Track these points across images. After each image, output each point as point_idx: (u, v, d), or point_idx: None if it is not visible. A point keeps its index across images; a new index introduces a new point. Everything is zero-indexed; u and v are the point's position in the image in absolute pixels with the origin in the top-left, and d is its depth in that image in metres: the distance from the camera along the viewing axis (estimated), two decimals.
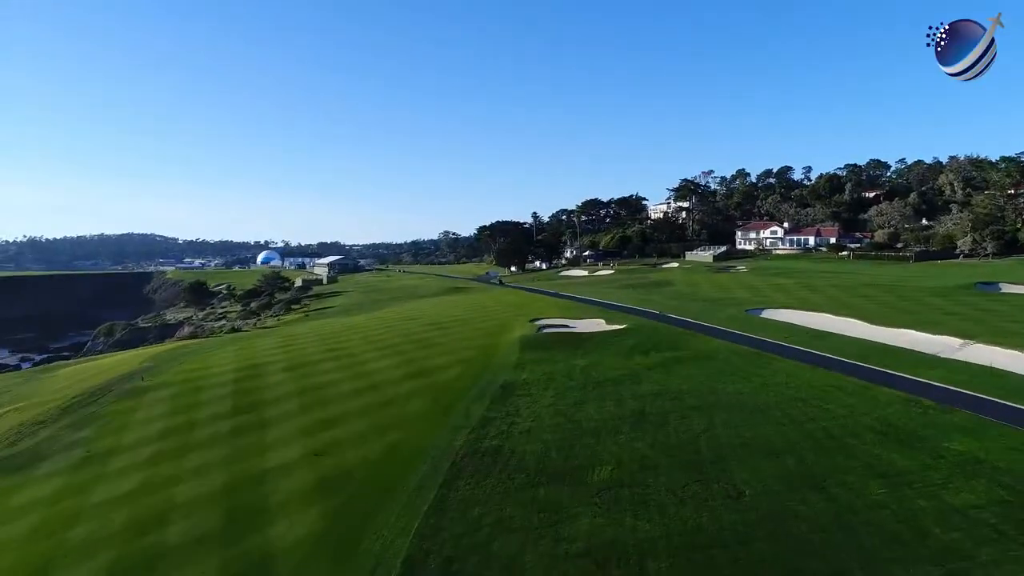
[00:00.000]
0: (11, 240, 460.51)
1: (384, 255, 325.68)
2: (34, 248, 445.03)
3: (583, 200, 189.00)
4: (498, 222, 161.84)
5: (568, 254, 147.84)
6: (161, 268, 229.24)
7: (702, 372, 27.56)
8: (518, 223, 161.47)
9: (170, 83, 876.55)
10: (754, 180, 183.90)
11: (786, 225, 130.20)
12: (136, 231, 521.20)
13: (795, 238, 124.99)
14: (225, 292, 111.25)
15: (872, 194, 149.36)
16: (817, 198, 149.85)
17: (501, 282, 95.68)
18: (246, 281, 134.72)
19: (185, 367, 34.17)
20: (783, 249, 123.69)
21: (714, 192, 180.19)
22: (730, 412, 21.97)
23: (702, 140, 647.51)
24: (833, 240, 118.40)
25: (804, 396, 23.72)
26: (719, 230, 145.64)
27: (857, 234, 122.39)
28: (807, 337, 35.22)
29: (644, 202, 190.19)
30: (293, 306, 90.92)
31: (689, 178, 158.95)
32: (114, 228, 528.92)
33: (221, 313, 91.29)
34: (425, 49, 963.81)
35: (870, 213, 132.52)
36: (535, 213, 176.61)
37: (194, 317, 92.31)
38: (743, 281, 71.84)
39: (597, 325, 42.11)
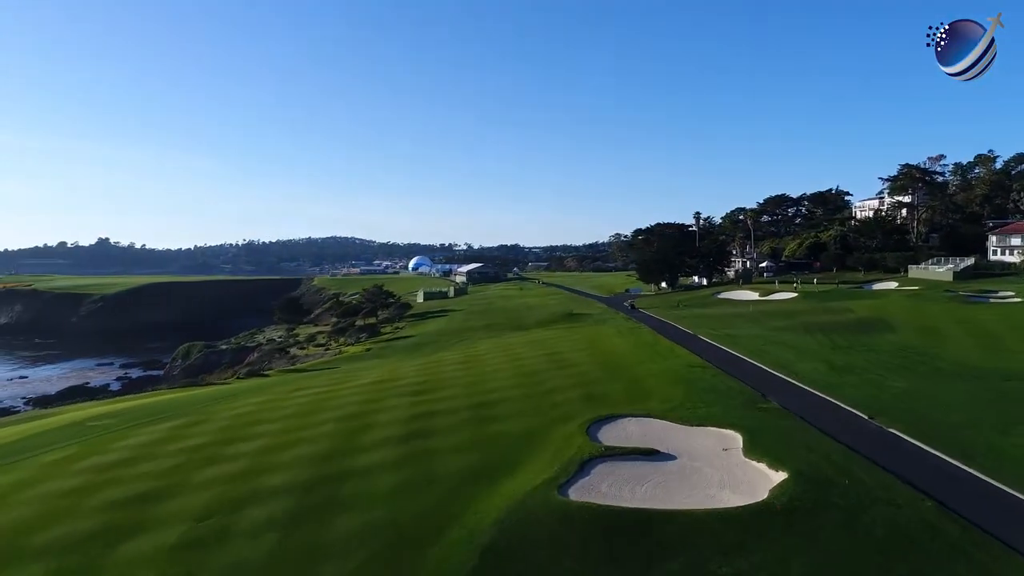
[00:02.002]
0: (232, 244, 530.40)
1: (559, 257, 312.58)
2: (249, 251, 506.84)
3: (765, 197, 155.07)
4: (657, 224, 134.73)
5: (738, 265, 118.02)
6: (316, 273, 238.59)
7: None
8: (681, 225, 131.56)
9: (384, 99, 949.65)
10: (1002, 166, 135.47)
11: None
12: (339, 235, 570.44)
13: None
14: (334, 307, 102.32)
15: None
16: None
17: (633, 306, 72.72)
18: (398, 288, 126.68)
19: None
20: None
21: (945, 184, 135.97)
22: None
23: (921, 122, 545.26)
24: None
25: None
26: (958, 233, 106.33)
27: None
28: None
29: (848, 198, 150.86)
30: (383, 328, 77.62)
31: (913, 164, 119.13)
32: (320, 232, 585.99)
33: (307, 336, 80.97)
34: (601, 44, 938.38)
35: None
36: (698, 213, 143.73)
37: (276, 339, 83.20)
38: None
39: (719, 464, 19.19)
